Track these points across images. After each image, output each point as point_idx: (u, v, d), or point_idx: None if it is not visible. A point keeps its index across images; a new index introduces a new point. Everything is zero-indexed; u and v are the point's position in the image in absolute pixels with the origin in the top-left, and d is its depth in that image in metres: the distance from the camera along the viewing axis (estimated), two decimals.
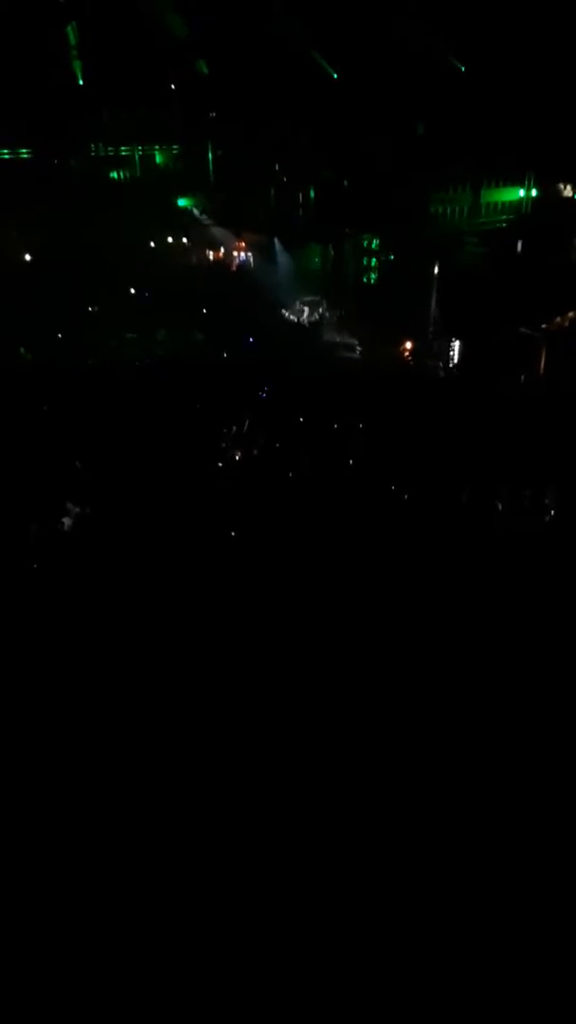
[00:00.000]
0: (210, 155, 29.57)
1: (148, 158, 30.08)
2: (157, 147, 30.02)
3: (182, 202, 31.46)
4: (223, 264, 33.27)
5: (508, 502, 15.07)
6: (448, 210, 29.46)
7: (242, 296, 29.49)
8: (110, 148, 29.11)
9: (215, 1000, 5.08)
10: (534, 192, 29.93)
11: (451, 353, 27.89)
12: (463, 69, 25.97)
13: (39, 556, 12.12)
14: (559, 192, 29.91)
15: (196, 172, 30.03)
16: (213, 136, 29.29)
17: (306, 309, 31.60)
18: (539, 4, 22.01)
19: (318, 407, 21.19)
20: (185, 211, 31.79)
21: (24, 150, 27.18)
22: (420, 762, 7.10)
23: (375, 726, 7.64)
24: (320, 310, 31.72)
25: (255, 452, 18.44)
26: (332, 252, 31.78)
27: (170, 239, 31.34)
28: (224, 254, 34.25)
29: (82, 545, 12.75)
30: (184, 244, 31.99)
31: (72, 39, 26.49)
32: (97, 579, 11.18)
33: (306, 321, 31.31)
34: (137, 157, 29.76)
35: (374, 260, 31.44)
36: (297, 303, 31.54)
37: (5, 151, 27.20)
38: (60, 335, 27.48)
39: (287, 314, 31.23)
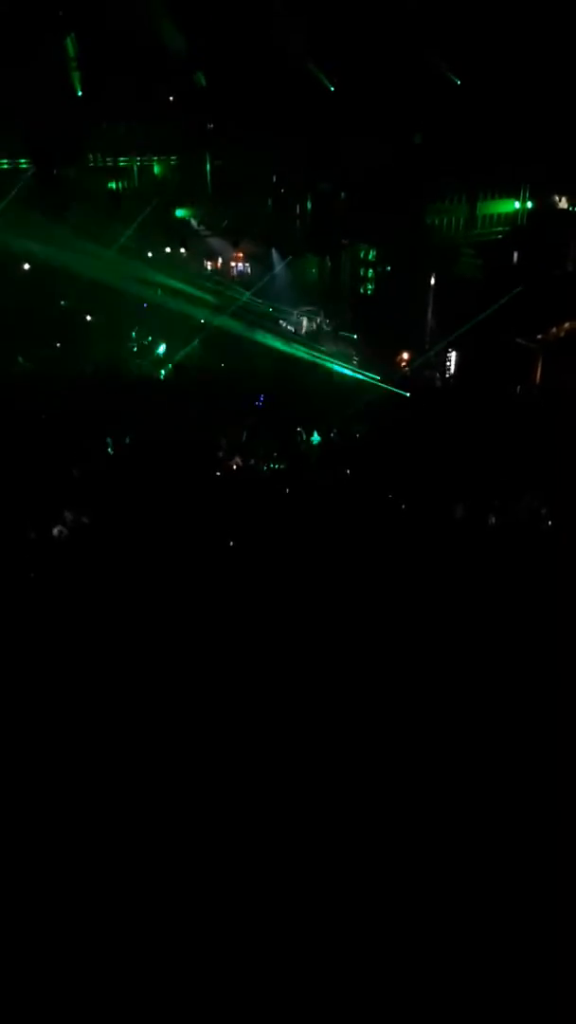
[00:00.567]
0: (208, 166, 29.67)
1: (146, 169, 30.17)
2: (155, 158, 30.11)
3: (180, 213, 31.55)
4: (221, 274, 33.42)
5: (504, 511, 15.14)
6: (445, 221, 29.61)
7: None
8: (108, 159, 29.18)
9: (215, 997, 5.09)
10: (530, 204, 30.09)
11: (448, 363, 28.00)
12: (459, 82, 26.14)
13: (37, 563, 12.12)
14: (555, 204, 30.08)
15: (194, 183, 30.11)
16: (211, 147, 29.40)
17: (303, 320, 31.71)
18: (536, 16, 22.17)
19: (315, 417, 21.28)
20: (183, 222, 31.88)
21: (23, 160, 27.24)
22: (418, 761, 7.12)
23: (375, 727, 7.67)
24: (317, 320, 31.82)
25: (252, 462, 18.49)
26: (329, 263, 31.92)
27: (168, 249, 31.44)
28: (222, 264, 34.37)
29: (79, 553, 12.75)
30: (182, 255, 32.09)
31: (71, 50, 26.62)
32: (95, 586, 11.19)
33: (303, 331, 31.42)
34: (135, 168, 29.84)
35: (371, 271, 31.58)
36: (295, 313, 31.64)
37: (4, 161, 27.27)
38: (58, 344, 27.53)
39: (284, 324, 31.32)
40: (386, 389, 25.00)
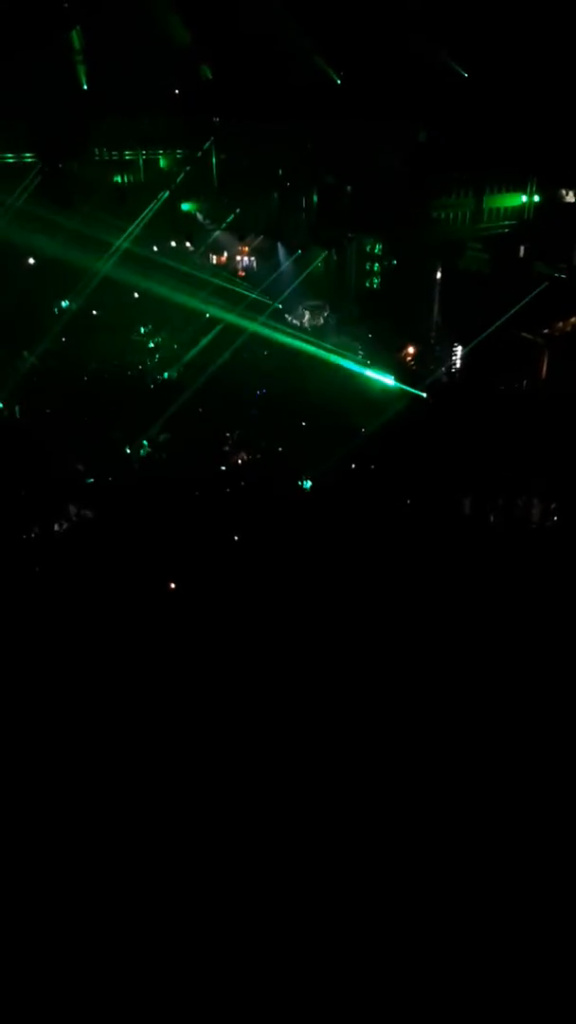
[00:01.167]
0: (214, 160, 29.59)
1: (152, 162, 30.11)
2: (161, 152, 30.05)
3: (186, 206, 31.48)
4: (226, 268, 33.35)
5: (509, 506, 15.10)
6: (451, 215, 29.49)
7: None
8: (114, 152, 29.12)
9: (215, 997, 5.10)
10: (536, 198, 29.94)
11: (453, 358, 27.90)
12: (466, 75, 26.00)
13: (40, 557, 12.14)
14: (561, 198, 29.92)
15: (200, 177, 30.04)
16: (217, 141, 29.33)
17: (307, 313, 31.63)
18: (541, 12, 22.04)
19: (319, 414, 21.23)
20: (189, 216, 31.80)
21: (28, 154, 27.22)
22: (419, 761, 7.11)
23: (376, 728, 7.66)
24: (323, 314, 31.73)
25: (258, 456, 18.48)
26: (335, 257, 31.81)
27: (173, 243, 31.38)
28: (227, 258, 34.30)
29: (83, 547, 12.77)
30: (188, 248, 32.05)
31: (76, 44, 26.57)
32: (99, 580, 11.19)
33: (309, 325, 31.33)
34: (141, 162, 29.78)
35: (377, 265, 31.47)
36: (300, 307, 31.56)
37: (9, 155, 27.24)
38: (63, 339, 27.51)
39: (290, 318, 31.25)
40: (398, 389, 24.82)
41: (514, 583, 11.13)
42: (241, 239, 32.54)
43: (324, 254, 31.75)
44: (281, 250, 31.79)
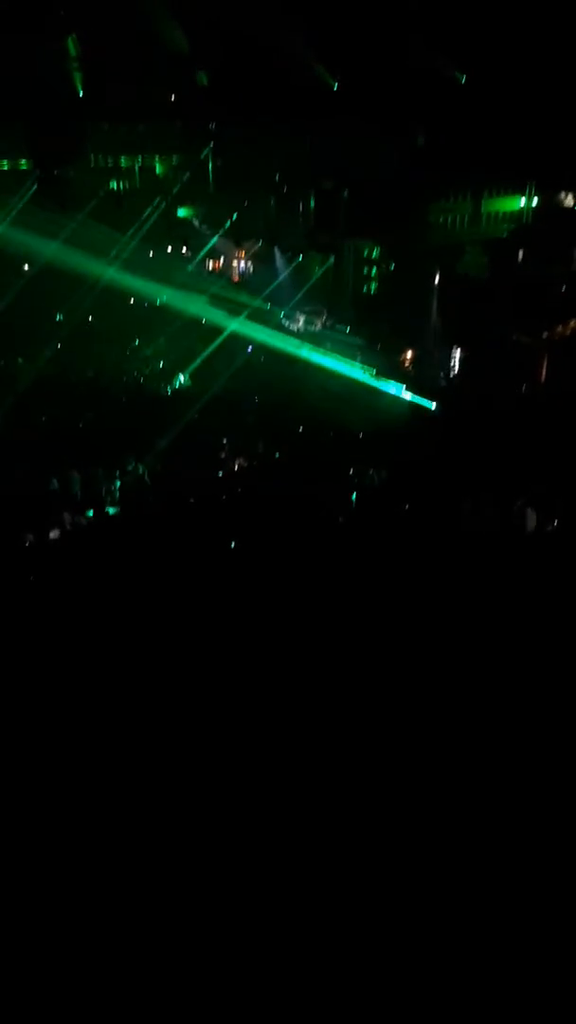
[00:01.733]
0: (210, 165, 29.59)
1: (148, 168, 30.11)
2: (157, 157, 30.06)
3: (182, 212, 31.47)
4: (223, 274, 33.33)
5: (509, 510, 14.98)
6: (449, 219, 29.43)
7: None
8: (110, 158, 29.13)
9: (215, 1000, 5.04)
10: (535, 201, 29.89)
11: (452, 362, 27.82)
12: (463, 80, 25.99)
13: (34, 566, 12.03)
14: (560, 201, 29.88)
15: (196, 182, 30.04)
16: (213, 146, 29.34)
17: (302, 318, 31.56)
18: (539, 14, 22.01)
19: (316, 420, 21.16)
20: (185, 221, 31.80)
21: (24, 161, 27.22)
22: (420, 765, 7.02)
23: (376, 734, 7.56)
24: (320, 319, 31.66)
25: (255, 463, 18.37)
26: (332, 261, 31.77)
27: (170, 249, 31.39)
28: (224, 264, 34.28)
29: (79, 555, 12.66)
30: (184, 253, 32.04)
31: (73, 51, 26.59)
32: (94, 589, 11.09)
33: (306, 330, 31.25)
34: (137, 168, 29.78)
35: (374, 269, 31.42)
36: (297, 312, 31.49)
37: (5, 161, 27.24)
38: (59, 346, 27.46)
39: (287, 323, 31.18)
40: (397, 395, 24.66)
41: (515, 588, 11.02)
42: (238, 244, 32.53)
43: (321, 259, 31.73)
44: (278, 255, 31.76)
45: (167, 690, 8.44)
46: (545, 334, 25.11)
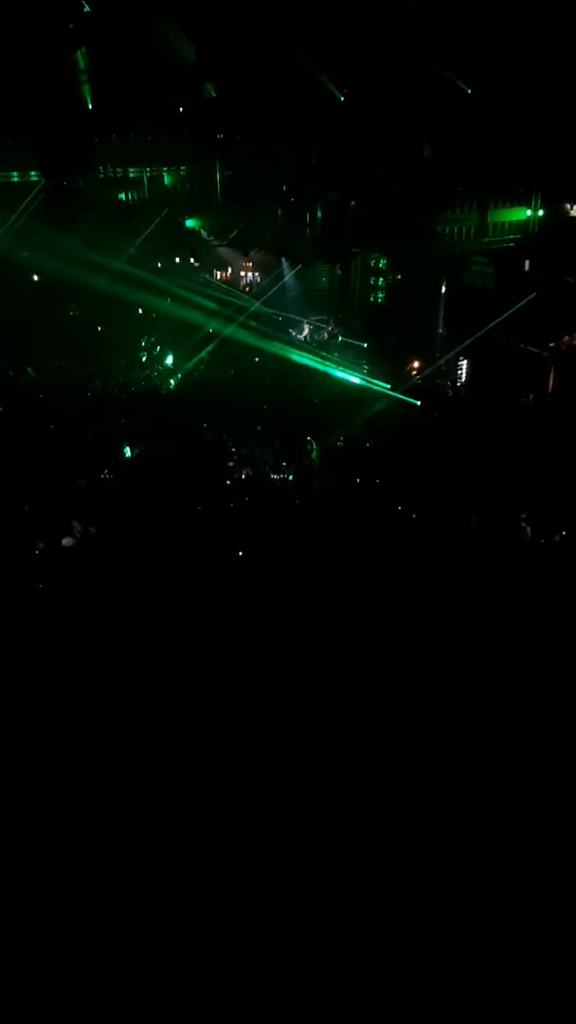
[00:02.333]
0: (218, 176, 29.71)
1: (156, 179, 30.24)
2: (165, 168, 30.19)
3: (190, 223, 31.62)
4: (230, 283, 33.47)
5: (514, 521, 14.97)
6: (455, 230, 29.49)
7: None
8: (119, 170, 29.26)
9: (215, 1000, 5.05)
10: (541, 212, 29.94)
11: (459, 372, 27.86)
12: (469, 91, 26.09)
13: (44, 574, 12.05)
14: (566, 212, 29.93)
15: (204, 193, 30.16)
16: (221, 157, 29.46)
17: (309, 327, 31.67)
18: (545, 25, 22.10)
19: (325, 426, 21.19)
20: (193, 231, 31.94)
21: (33, 172, 27.37)
22: (420, 769, 7.03)
23: (378, 739, 7.57)
24: (328, 329, 31.76)
25: (263, 471, 18.41)
26: (339, 271, 31.88)
27: (177, 259, 31.51)
28: (231, 273, 34.43)
29: (87, 564, 12.68)
30: (192, 264, 32.17)
31: (82, 64, 26.77)
32: (102, 598, 11.11)
33: (313, 340, 31.36)
34: (145, 179, 29.91)
35: (381, 279, 31.51)
36: (304, 322, 31.60)
37: (14, 173, 27.40)
38: (61, 361, 27.60)
39: (294, 333, 31.28)
40: (398, 399, 24.70)
41: (518, 599, 11.02)
42: (245, 254, 32.66)
43: (328, 269, 31.84)
44: (285, 265, 31.88)
45: (173, 695, 8.47)
46: (552, 344, 25.14)
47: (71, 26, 25.81)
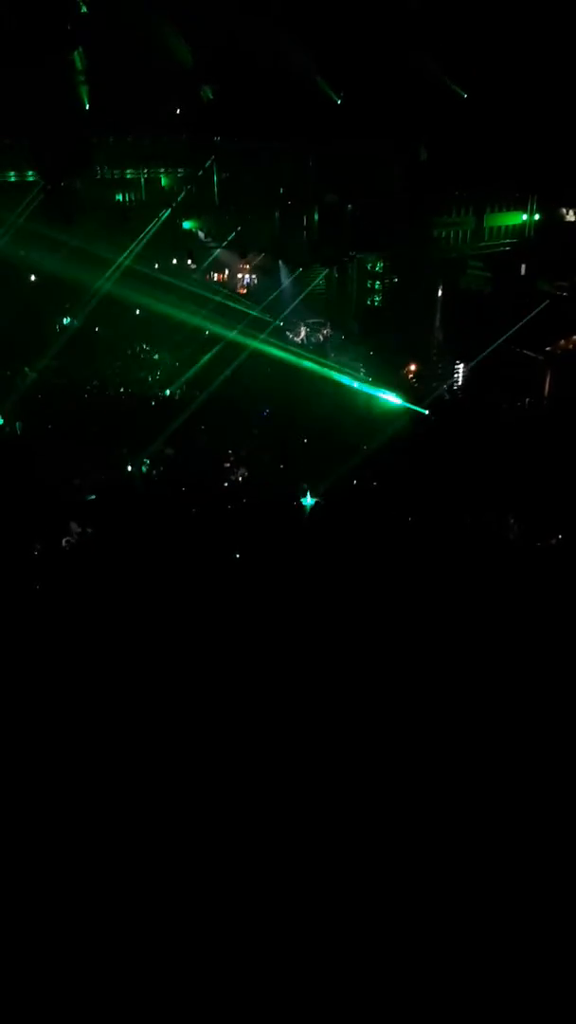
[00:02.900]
0: (215, 178, 29.72)
1: (154, 181, 30.24)
2: (162, 170, 30.19)
3: (187, 224, 31.62)
4: (227, 286, 33.45)
5: (512, 524, 15.01)
6: (452, 234, 29.56)
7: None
8: (116, 171, 29.25)
9: (215, 1000, 5.04)
10: (537, 216, 30.05)
11: (455, 376, 27.90)
12: (466, 95, 26.15)
13: (42, 575, 12.04)
14: (562, 216, 30.05)
15: (201, 195, 30.17)
16: (218, 159, 29.47)
17: (306, 330, 31.65)
18: (543, 28, 22.18)
19: (322, 430, 21.19)
20: (190, 234, 31.93)
21: (30, 173, 27.34)
22: (420, 772, 7.04)
23: (378, 743, 7.58)
24: (324, 332, 31.75)
25: (259, 473, 18.41)
26: (336, 275, 31.89)
27: (175, 261, 31.48)
28: (228, 276, 34.40)
29: (85, 564, 12.67)
30: (189, 266, 32.15)
31: (79, 65, 26.76)
32: (100, 598, 11.10)
33: (310, 343, 31.35)
34: (143, 180, 29.91)
35: (378, 283, 31.54)
36: (301, 325, 31.60)
37: (11, 174, 27.37)
38: (64, 356, 27.54)
39: (291, 336, 31.27)
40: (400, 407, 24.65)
41: (515, 602, 11.05)
42: (242, 257, 32.65)
43: (325, 272, 31.84)
44: (282, 268, 31.89)
45: (172, 695, 8.46)
46: (548, 348, 25.21)
47: (69, 28, 25.82)
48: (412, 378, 28.10)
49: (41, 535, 12.84)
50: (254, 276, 34.06)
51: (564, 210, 30.05)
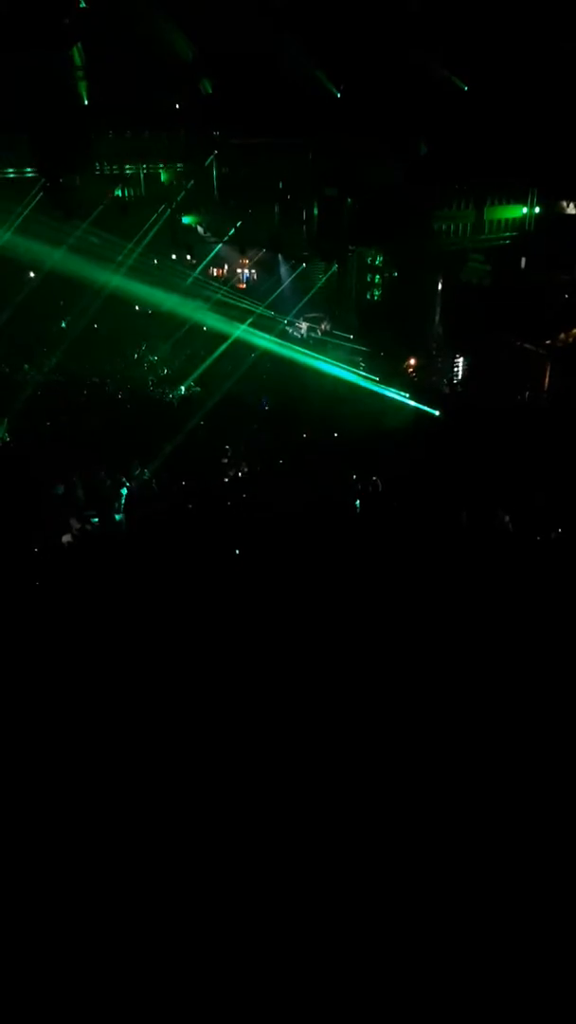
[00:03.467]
0: (215, 173, 29.70)
1: (153, 176, 30.23)
2: (162, 166, 30.17)
3: (187, 220, 31.60)
4: (227, 281, 33.44)
5: (511, 518, 15.00)
6: (452, 227, 29.50)
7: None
8: (115, 167, 29.24)
9: (215, 1000, 5.07)
10: (537, 209, 29.97)
11: (455, 369, 27.87)
12: (466, 88, 26.10)
13: (41, 571, 12.07)
14: (562, 209, 29.97)
15: (201, 190, 30.15)
16: (218, 154, 29.46)
17: (306, 325, 31.63)
18: (541, 23, 22.13)
19: (319, 424, 21.19)
20: (190, 229, 31.91)
21: (29, 169, 27.34)
22: (420, 773, 7.05)
23: (379, 745, 7.59)
24: (323, 326, 31.72)
25: (258, 468, 18.41)
26: (336, 268, 31.85)
27: (174, 256, 31.48)
28: (228, 271, 34.39)
29: (85, 561, 12.69)
30: (189, 261, 32.15)
31: (78, 60, 26.75)
32: (100, 595, 11.12)
33: (309, 337, 31.33)
34: (142, 176, 29.89)
35: (378, 276, 31.48)
36: (301, 319, 31.57)
37: (11, 170, 27.37)
38: (64, 353, 27.56)
39: (291, 331, 31.25)
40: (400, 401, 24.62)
41: (517, 597, 11.04)
42: (242, 252, 32.62)
43: (325, 266, 31.79)
44: (282, 263, 31.86)
45: (172, 693, 8.48)
46: (548, 341, 25.17)
47: (67, 23, 25.80)
48: (412, 372, 28.08)
49: (40, 533, 12.87)
50: (253, 271, 34.04)
51: (564, 203, 29.98)
